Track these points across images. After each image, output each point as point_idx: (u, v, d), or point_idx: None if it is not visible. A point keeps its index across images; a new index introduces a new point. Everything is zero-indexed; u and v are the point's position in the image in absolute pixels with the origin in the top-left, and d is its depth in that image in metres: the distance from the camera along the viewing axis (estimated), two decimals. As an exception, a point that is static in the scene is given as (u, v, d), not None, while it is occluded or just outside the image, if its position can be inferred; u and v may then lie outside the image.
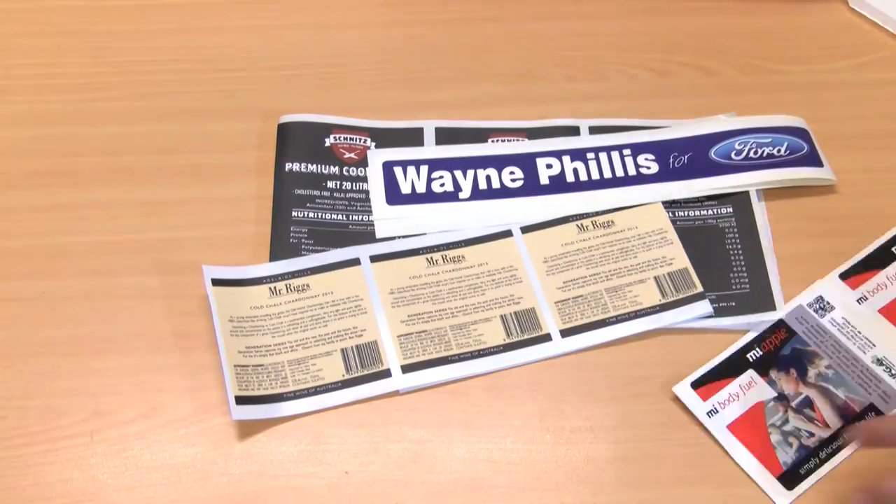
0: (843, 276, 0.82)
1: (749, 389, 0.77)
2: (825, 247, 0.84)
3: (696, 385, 0.76)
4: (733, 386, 0.77)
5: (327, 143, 0.89)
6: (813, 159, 0.87)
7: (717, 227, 0.85)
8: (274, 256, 0.83)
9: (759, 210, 0.85)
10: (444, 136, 0.90)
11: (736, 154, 0.87)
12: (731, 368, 0.78)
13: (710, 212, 0.86)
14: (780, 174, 0.86)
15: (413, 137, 0.90)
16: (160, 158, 0.88)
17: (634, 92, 0.93)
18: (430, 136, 0.90)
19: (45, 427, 0.74)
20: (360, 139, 0.90)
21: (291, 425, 0.75)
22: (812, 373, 0.77)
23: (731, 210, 0.85)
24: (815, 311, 0.80)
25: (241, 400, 0.74)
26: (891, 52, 0.96)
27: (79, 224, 0.84)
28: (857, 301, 0.81)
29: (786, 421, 0.75)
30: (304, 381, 0.77)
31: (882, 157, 0.89)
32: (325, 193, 0.87)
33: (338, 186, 0.87)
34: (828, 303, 0.81)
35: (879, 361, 0.77)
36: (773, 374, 0.77)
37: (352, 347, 0.78)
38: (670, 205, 0.86)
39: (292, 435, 0.75)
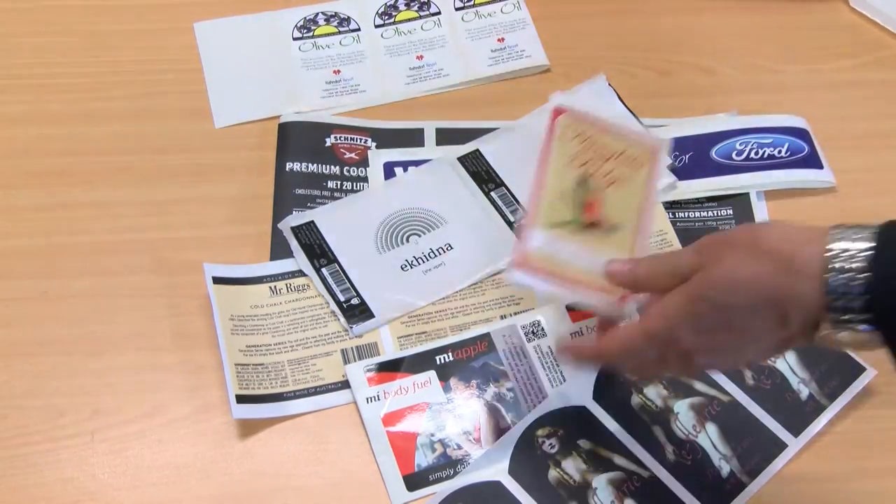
0: (570, 308, 0.79)
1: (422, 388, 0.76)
2: (825, 247, 0.84)
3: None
4: (407, 381, 0.76)
5: (328, 143, 0.89)
6: (813, 161, 0.87)
7: (717, 229, 0.85)
8: (275, 256, 0.83)
9: (760, 210, 0.85)
10: (445, 136, 0.90)
11: (737, 154, 0.87)
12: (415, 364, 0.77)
13: (711, 213, 0.85)
14: (781, 176, 0.86)
15: (414, 138, 0.90)
16: (160, 158, 0.88)
17: (635, 91, 0.93)
18: (430, 136, 0.90)
19: (45, 426, 0.74)
20: (360, 139, 0.90)
21: (292, 425, 0.75)
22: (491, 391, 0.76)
23: (731, 212, 0.85)
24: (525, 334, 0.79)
25: (241, 399, 0.74)
26: (891, 52, 0.96)
27: (79, 224, 0.84)
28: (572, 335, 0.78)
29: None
30: (304, 381, 0.77)
31: (882, 157, 0.89)
32: (326, 193, 0.87)
33: (338, 186, 0.87)
34: (541, 328, 0.79)
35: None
36: (453, 381, 0.77)
37: (352, 348, 0.78)
38: (670, 206, 0.86)
39: (293, 434, 0.75)
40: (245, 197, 0.86)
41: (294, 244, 0.82)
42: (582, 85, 0.91)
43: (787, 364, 0.76)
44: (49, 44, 0.96)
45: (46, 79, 0.93)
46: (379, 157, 0.88)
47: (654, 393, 0.75)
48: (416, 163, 0.88)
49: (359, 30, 0.98)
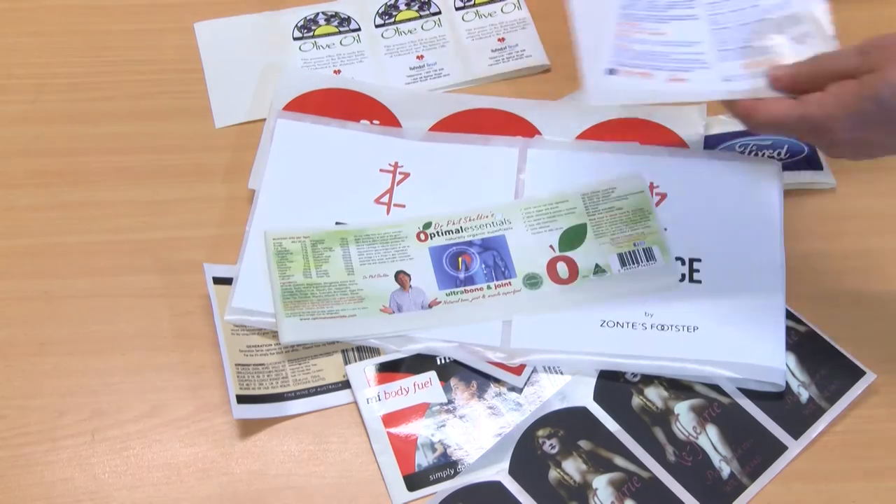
0: None
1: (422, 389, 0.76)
2: (825, 247, 0.84)
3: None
4: (407, 381, 0.76)
5: (328, 143, 0.89)
6: (813, 162, 0.87)
7: (717, 228, 0.85)
8: (275, 256, 0.83)
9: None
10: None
11: (737, 156, 0.87)
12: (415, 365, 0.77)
13: (710, 213, 0.86)
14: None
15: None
16: (160, 158, 0.88)
17: (635, 92, 0.93)
18: (430, 136, 0.90)
19: (46, 426, 0.74)
20: (360, 139, 0.90)
21: (292, 425, 0.75)
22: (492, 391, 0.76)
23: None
24: None
25: (242, 399, 0.74)
26: (891, 53, 0.96)
27: (79, 224, 0.85)
28: None
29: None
30: (304, 381, 0.77)
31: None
32: (326, 193, 0.87)
33: (338, 186, 0.87)
34: None
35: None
36: (454, 381, 0.77)
37: (353, 348, 0.78)
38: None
39: (293, 434, 0.75)
40: (245, 197, 0.86)
41: (294, 243, 0.82)
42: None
43: (787, 367, 0.76)
44: (49, 44, 0.96)
45: (46, 79, 0.93)
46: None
47: (655, 394, 0.75)
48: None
49: (359, 30, 0.98)
